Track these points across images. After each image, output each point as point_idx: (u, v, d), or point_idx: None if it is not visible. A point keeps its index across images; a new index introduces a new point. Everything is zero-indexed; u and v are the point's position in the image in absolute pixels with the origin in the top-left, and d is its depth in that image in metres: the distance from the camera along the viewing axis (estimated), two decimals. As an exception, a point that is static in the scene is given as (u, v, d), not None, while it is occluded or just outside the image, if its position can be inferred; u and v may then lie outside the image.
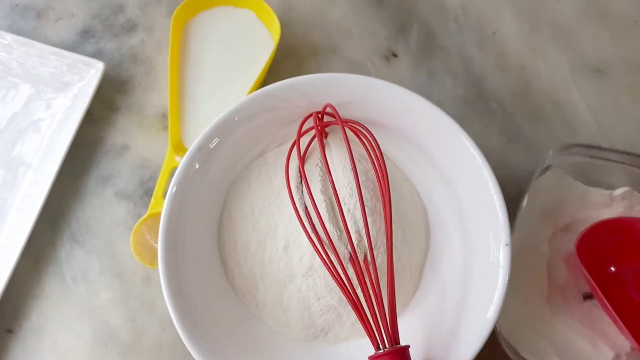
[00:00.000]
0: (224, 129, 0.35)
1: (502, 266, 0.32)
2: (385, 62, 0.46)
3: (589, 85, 0.45)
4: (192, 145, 0.35)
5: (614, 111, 0.44)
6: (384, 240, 0.34)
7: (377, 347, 0.31)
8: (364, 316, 0.31)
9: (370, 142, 0.34)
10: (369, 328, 0.31)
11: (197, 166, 0.35)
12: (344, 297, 0.32)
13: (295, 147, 0.35)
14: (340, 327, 0.36)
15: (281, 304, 0.36)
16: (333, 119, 0.35)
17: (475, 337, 0.32)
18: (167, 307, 0.32)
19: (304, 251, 0.35)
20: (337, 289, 0.33)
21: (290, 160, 0.36)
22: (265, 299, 0.36)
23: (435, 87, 0.46)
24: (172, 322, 0.32)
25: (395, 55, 0.47)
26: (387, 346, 0.30)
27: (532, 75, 0.46)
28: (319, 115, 0.36)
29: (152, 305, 0.42)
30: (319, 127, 0.35)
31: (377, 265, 0.33)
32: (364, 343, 0.33)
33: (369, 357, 0.31)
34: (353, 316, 0.35)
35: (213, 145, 0.36)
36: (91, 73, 0.44)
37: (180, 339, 0.32)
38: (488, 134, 0.44)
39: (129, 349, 0.41)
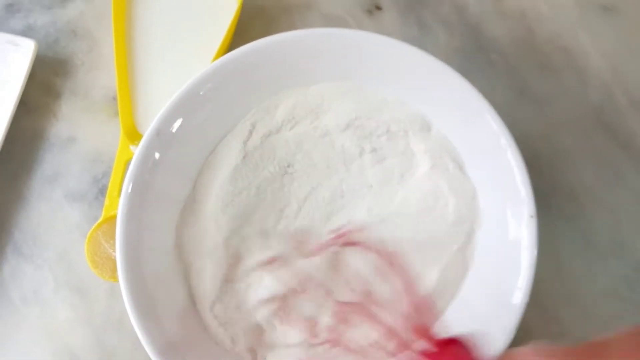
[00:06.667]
0: (187, 106, 0.29)
1: (527, 246, 0.28)
2: (369, 16, 0.40)
3: (599, 26, 0.40)
4: (148, 130, 0.28)
5: (629, 54, 0.39)
6: None
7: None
8: None
9: None
10: None
11: (157, 156, 0.29)
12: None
13: None
14: None
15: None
16: None
17: (503, 328, 0.27)
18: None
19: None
20: None
21: None
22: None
23: (427, 41, 0.40)
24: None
25: (379, 8, 0.40)
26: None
27: (535, 20, 0.40)
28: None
29: (120, 322, 0.35)
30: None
31: None
32: None
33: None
34: None
35: (175, 129, 0.29)
36: (20, 55, 0.37)
37: None
38: (492, 90, 0.39)
39: (99, 374, 0.35)
